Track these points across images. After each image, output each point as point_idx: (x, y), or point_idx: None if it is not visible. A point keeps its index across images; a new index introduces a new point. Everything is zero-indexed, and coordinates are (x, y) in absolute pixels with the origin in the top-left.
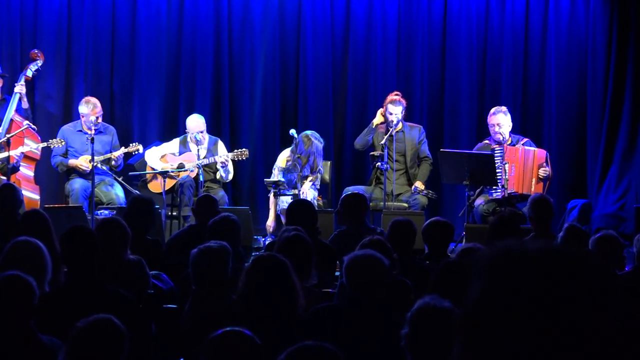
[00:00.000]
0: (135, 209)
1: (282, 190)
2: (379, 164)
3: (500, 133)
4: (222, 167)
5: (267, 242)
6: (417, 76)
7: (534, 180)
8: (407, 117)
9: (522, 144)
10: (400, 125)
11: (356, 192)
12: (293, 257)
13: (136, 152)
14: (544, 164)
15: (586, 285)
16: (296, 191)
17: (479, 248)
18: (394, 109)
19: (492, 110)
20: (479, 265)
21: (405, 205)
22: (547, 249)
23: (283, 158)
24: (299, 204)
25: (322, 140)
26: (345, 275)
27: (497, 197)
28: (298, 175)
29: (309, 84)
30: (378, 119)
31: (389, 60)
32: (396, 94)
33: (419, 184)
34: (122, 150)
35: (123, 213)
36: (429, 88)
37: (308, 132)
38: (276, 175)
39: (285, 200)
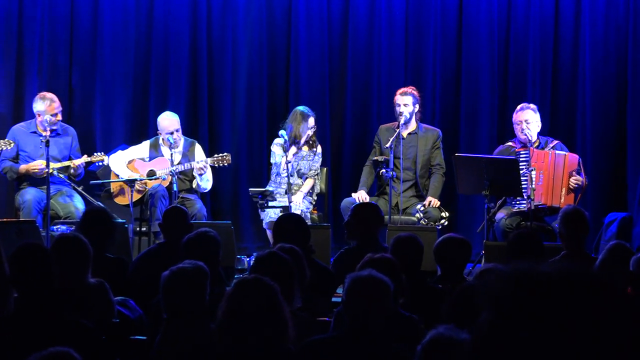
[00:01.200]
0: (89, 222)
1: (269, 202)
2: (382, 171)
3: (527, 133)
4: (200, 174)
5: (252, 263)
6: (429, 70)
7: (564, 190)
8: (422, 119)
9: (552, 148)
10: (413, 125)
11: (370, 202)
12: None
13: (100, 164)
14: (577, 170)
15: (608, 321)
16: (285, 200)
17: (500, 270)
18: (402, 99)
19: (519, 106)
20: (487, 292)
21: (415, 218)
22: (562, 273)
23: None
24: (288, 218)
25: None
26: (345, 300)
27: (522, 210)
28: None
29: (301, 79)
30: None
31: (395, 51)
32: (412, 88)
33: (432, 201)
34: (84, 159)
35: (76, 228)
36: (442, 83)
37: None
38: (277, 157)
39: (273, 213)
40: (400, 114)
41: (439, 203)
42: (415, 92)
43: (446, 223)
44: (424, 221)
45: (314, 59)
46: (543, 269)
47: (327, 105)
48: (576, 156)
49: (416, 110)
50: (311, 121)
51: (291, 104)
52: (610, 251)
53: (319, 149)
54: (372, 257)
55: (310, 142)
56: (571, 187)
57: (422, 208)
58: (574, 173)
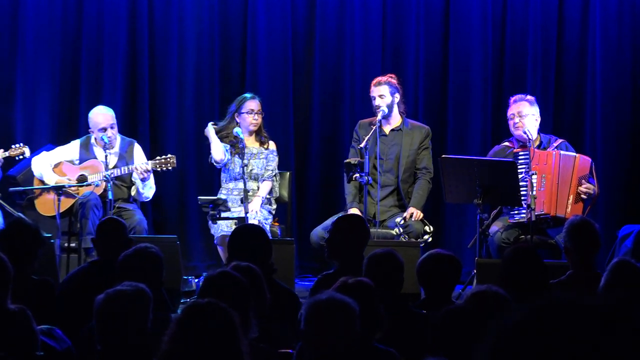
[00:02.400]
0: (8, 237)
1: (222, 212)
2: (356, 175)
3: (523, 129)
4: (142, 180)
5: (201, 284)
6: (411, 56)
7: (571, 197)
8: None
9: (556, 147)
10: (397, 120)
11: (354, 214)
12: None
13: (21, 158)
14: (588, 176)
15: None
16: (240, 209)
17: (495, 292)
18: (377, 90)
19: (512, 98)
20: (486, 344)
21: (394, 232)
22: (574, 319)
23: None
24: (245, 230)
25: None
26: (302, 330)
27: (521, 222)
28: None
29: (259, 67)
30: None
31: (370, 34)
32: (389, 76)
33: (414, 213)
34: (0, 154)
35: None
36: (426, 72)
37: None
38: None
39: (226, 226)
40: (377, 107)
41: (421, 215)
42: (392, 80)
43: (430, 239)
44: (404, 237)
45: (274, 44)
46: (550, 311)
47: (291, 99)
48: (588, 159)
49: (397, 101)
50: (252, 104)
51: (247, 90)
52: (614, 271)
53: (272, 145)
54: (346, 281)
55: (263, 137)
56: (582, 194)
57: (402, 221)
58: (583, 180)
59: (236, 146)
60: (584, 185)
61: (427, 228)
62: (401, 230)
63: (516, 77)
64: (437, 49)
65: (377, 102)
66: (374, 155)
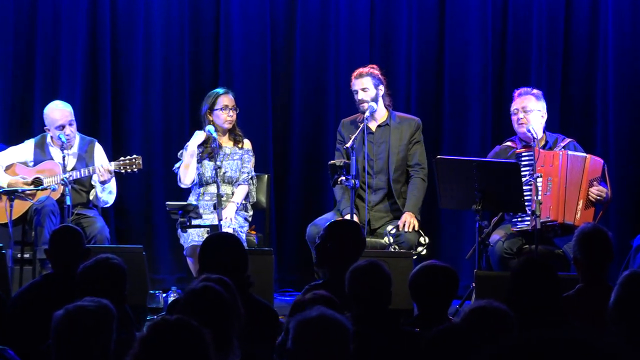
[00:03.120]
0: None
1: (192, 219)
2: (342, 179)
3: (527, 126)
4: (100, 183)
5: (170, 299)
6: (402, 46)
7: (581, 202)
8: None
9: (564, 147)
10: (384, 114)
11: (350, 220)
12: (201, 322)
13: None
14: (599, 179)
15: None
16: (213, 216)
17: (497, 309)
18: (359, 83)
19: (517, 91)
20: None
21: (384, 241)
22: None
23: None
24: (218, 239)
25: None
26: (291, 351)
27: (525, 230)
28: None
29: (234, 58)
30: None
31: (357, 21)
32: (370, 67)
33: (407, 222)
34: None
35: None
36: (419, 64)
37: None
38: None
39: (197, 236)
40: (361, 102)
41: (417, 225)
42: (374, 71)
43: (424, 252)
44: (394, 247)
45: (250, 32)
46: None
47: (269, 93)
48: (600, 160)
49: (381, 93)
50: (225, 100)
51: (221, 84)
52: (627, 284)
53: (248, 144)
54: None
55: (237, 136)
56: (592, 199)
57: (394, 230)
58: (595, 182)
59: (207, 146)
60: (595, 188)
61: (422, 239)
62: (391, 240)
63: (519, 68)
64: (431, 38)
65: (361, 96)
66: (362, 156)
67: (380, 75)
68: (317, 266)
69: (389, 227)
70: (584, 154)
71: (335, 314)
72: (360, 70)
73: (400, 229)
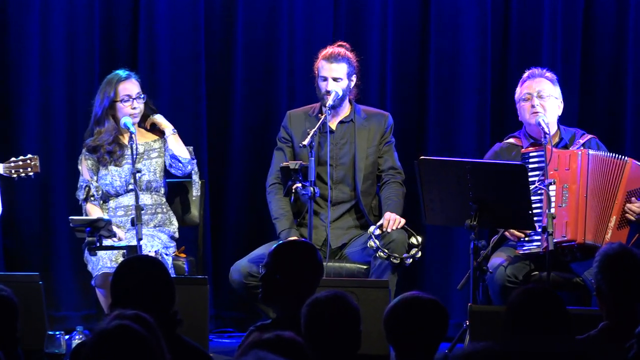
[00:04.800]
0: None
1: (104, 239)
2: (297, 185)
3: (542, 116)
4: None
5: (74, 342)
6: (375, 19)
7: (613, 219)
8: (363, 100)
9: (584, 145)
10: (346, 109)
11: (299, 240)
12: None
13: None
14: (638, 192)
15: None
16: (130, 236)
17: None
18: (332, 68)
19: (527, 72)
20: None
21: (370, 245)
22: None
23: None
24: (137, 265)
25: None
26: None
27: (534, 252)
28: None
29: (158, 34)
30: None
31: None
32: (339, 45)
33: (391, 220)
34: None
35: None
36: (397, 42)
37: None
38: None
39: (110, 260)
40: (328, 93)
41: (403, 221)
42: (350, 55)
43: (419, 254)
44: (383, 252)
45: (178, 2)
46: None
47: (202, 79)
48: (638, 164)
49: (352, 84)
50: (128, 86)
51: (142, 69)
52: None
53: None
54: (260, 338)
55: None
56: (629, 217)
57: (378, 231)
58: (634, 198)
59: (114, 153)
60: (636, 204)
61: (413, 239)
62: (377, 243)
63: (526, 48)
64: (412, 6)
65: (330, 86)
66: (317, 160)
67: (355, 61)
68: (265, 302)
69: (372, 229)
70: (623, 157)
71: None
72: (335, 50)
73: (385, 228)
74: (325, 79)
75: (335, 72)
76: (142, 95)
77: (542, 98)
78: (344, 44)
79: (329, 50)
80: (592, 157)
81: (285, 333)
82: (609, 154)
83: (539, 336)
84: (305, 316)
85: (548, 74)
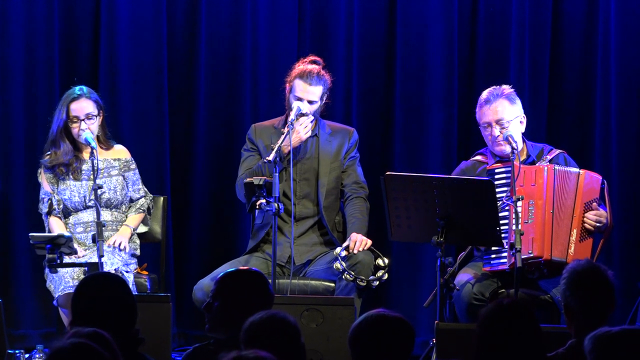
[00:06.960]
0: None
1: (65, 255)
2: (261, 202)
3: (502, 141)
4: None
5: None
6: (340, 30)
7: (575, 233)
8: (328, 114)
9: (550, 161)
10: (311, 125)
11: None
12: None
13: None
14: (598, 200)
15: None
16: (91, 254)
17: None
18: (308, 91)
19: (483, 96)
20: None
21: (335, 267)
22: None
23: None
24: (96, 282)
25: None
26: None
27: (502, 269)
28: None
29: (118, 42)
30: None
31: None
32: (313, 62)
33: (358, 241)
34: None
35: None
36: (362, 54)
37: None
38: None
39: (71, 278)
40: (300, 115)
41: (370, 242)
42: (326, 75)
43: (385, 276)
44: (349, 275)
45: (140, 7)
46: None
47: (165, 90)
48: (598, 177)
49: (322, 102)
50: (76, 108)
51: (103, 84)
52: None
53: (124, 150)
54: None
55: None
56: (588, 227)
57: (344, 253)
58: (593, 205)
59: (70, 165)
60: (592, 213)
61: (380, 261)
62: (344, 265)
63: (493, 62)
64: (379, 17)
65: (305, 108)
66: (281, 175)
67: (329, 81)
68: (210, 331)
69: (338, 250)
70: (577, 169)
71: None
72: (313, 69)
73: (351, 250)
74: (300, 100)
75: (311, 95)
76: (93, 116)
77: (504, 126)
78: (318, 59)
79: (305, 68)
80: (557, 172)
81: (261, 352)
82: (565, 167)
83: (509, 353)
84: (244, 342)
85: (504, 89)
